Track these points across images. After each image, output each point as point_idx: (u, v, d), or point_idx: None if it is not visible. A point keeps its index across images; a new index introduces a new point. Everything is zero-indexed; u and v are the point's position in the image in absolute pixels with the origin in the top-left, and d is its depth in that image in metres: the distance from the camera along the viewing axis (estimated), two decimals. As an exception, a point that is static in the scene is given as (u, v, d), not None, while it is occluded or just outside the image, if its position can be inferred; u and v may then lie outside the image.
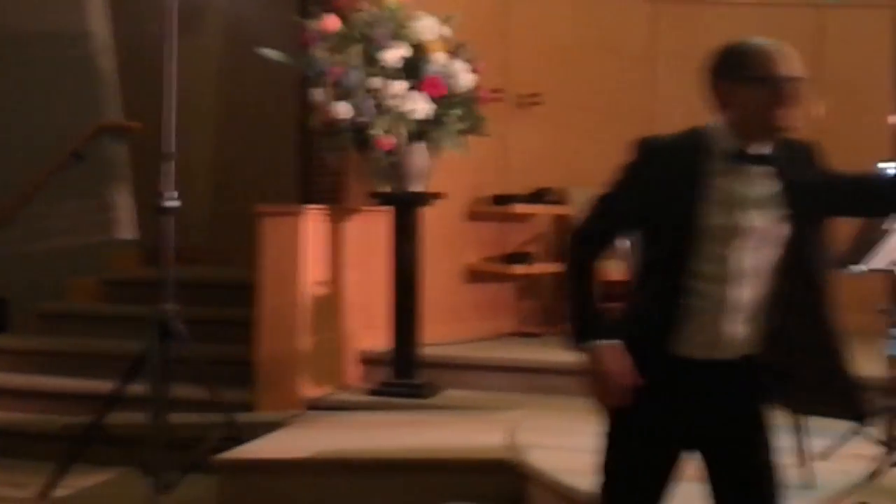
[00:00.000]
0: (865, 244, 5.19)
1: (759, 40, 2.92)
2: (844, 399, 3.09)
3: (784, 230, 2.88)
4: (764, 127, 2.85)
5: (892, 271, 5.22)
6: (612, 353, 2.83)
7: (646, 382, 2.85)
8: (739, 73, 2.84)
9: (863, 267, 5.14)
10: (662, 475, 2.94)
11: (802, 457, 4.94)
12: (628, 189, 2.91)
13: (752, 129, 2.86)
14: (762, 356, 2.94)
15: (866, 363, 5.12)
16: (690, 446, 2.96)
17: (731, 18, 8.28)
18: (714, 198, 2.83)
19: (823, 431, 5.29)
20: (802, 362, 3.01)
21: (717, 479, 2.96)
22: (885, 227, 5.09)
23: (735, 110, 2.86)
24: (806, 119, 2.92)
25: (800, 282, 2.92)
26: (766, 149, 2.90)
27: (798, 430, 4.94)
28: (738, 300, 2.87)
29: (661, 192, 2.85)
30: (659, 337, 2.88)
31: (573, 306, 2.91)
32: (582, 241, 2.95)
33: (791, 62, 2.86)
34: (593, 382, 2.84)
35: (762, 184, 2.88)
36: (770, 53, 2.85)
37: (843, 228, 5.23)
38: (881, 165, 6.18)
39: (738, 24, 8.61)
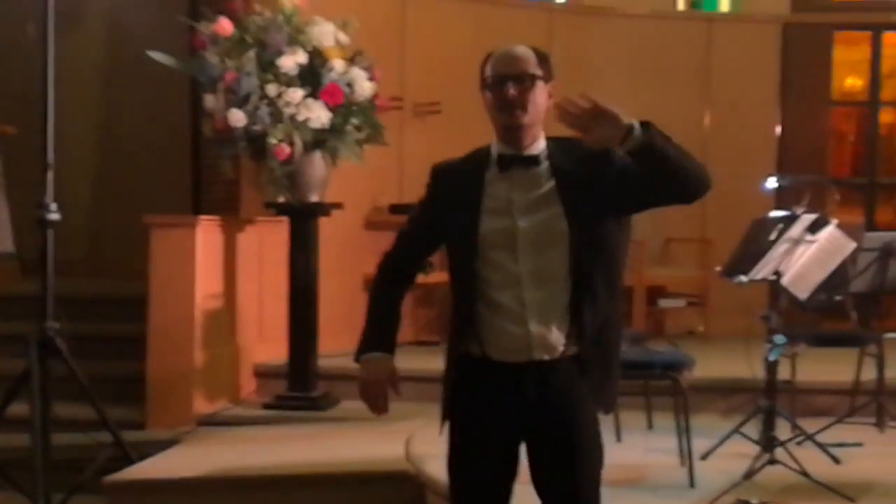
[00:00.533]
0: (750, 255, 5.29)
1: (498, 48, 2.99)
2: (608, 394, 3.03)
3: (561, 229, 2.89)
4: (499, 129, 2.96)
5: (773, 280, 5.32)
6: (374, 364, 3.07)
7: (468, 388, 2.97)
8: (482, 82, 2.99)
9: (743, 278, 5.25)
10: (494, 476, 3.00)
11: (684, 457, 5.10)
12: (422, 214, 3.10)
13: (499, 134, 2.97)
14: (575, 357, 2.94)
15: (746, 366, 5.38)
16: (517, 446, 3.00)
17: (623, 29, 8.41)
18: (489, 205, 2.93)
19: (704, 432, 5.46)
20: (596, 358, 2.96)
21: (535, 481, 3.00)
22: (770, 238, 5.18)
23: (490, 118, 2.99)
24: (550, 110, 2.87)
25: (592, 278, 2.90)
26: (536, 150, 2.95)
27: (680, 430, 5.09)
28: (526, 303, 2.89)
29: (447, 208, 2.98)
30: (466, 343, 2.97)
31: (363, 328, 3.16)
32: (382, 272, 3.18)
33: (505, 62, 2.93)
34: (359, 390, 3.08)
35: (534, 185, 2.94)
36: (493, 58, 2.97)
37: (731, 238, 5.29)
38: (769, 178, 6.21)
39: (630, 34, 8.67)
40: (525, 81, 2.91)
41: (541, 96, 2.94)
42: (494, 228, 2.91)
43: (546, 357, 2.92)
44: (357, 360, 3.12)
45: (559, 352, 2.93)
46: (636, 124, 2.75)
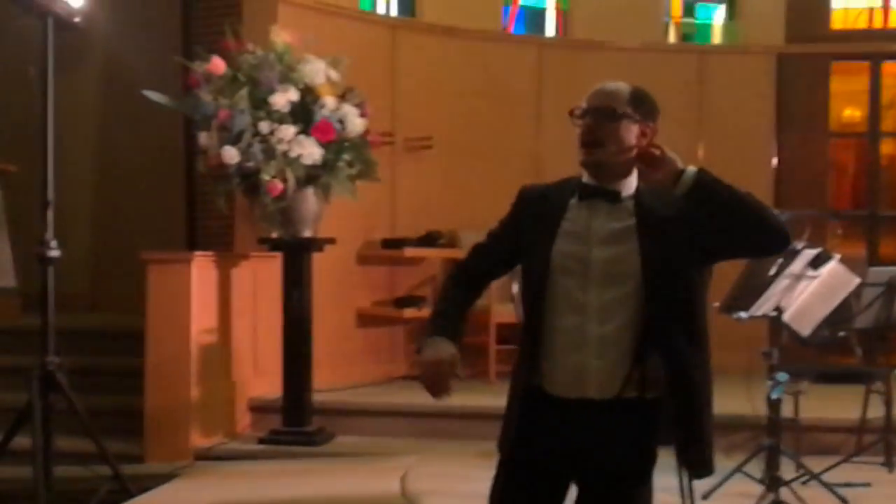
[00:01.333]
0: (750, 290, 5.35)
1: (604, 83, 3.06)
2: (690, 453, 3.03)
3: (634, 265, 2.91)
4: (580, 163, 3.00)
5: (774, 316, 5.38)
6: (438, 345, 2.99)
7: (528, 420, 2.99)
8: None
9: (743, 314, 5.32)
10: None
11: (685, 496, 5.00)
12: (500, 229, 3.14)
13: (581, 167, 3.02)
14: (644, 394, 2.94)
15: (748, 403, 5.46)
16: (568, 482, 3.04)
17: (614, 63, 8.50)
18: (567, 228, 2.97)
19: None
20: (675, 404, 2.95)
21: None
22: (770, 273, 5.25)
23: None
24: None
25: (666, 322, 2.91)
26: (621, 188, 2.97)
27: (681, 469, 5.09)
28: (588, 336, 2.92)
29: (527, 228, 3.03)
30: (528, 372, 3.00)
31: (428, 319, 3.14)
32: (452, 276, 3.19)
33: (593, 94, 2.97)
34: (420, 372, 3.01)
35: (614, 219, 2.96)
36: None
37: (729, 274, 5.51)
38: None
39: (622, 68, 8.90)
40: (607, 117, 2.93)
41: (627, 135, 2.93)
42: (568, 252, 2.94)
43: (601, 397, 2.92)
44: (421, 346, 3.05)
45: (615, 394, 2.92)
46: (690, 168, 2.85)
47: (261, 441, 6.60)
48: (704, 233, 2.90)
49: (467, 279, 3.18)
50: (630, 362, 2.91)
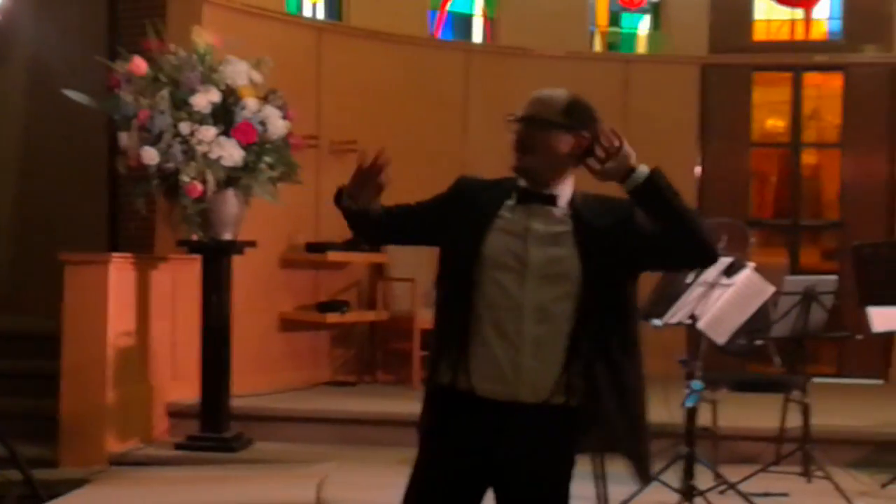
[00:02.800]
0: (666, 297, 5.33)
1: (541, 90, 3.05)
2: (633, 459, 3.04)
3: (572, 270, 2.89)
4: (513, 168, 3.01)
5: (689, 324, 5.36)
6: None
7: (446, 419, 2.95)
8: None
9: (658, 322, 5.29)
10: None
11: None
12: (432, 202, 3.12)
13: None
14: (570, 401, 2.90)
15: (664, 412, 5.29)
16: (484, 483, 2.98)
17: (541, 70, 8.54)
18: (502, 226, 2.95)
19: (622, 479, 5.50)
20: (606, 412, 2.93)
21: None
22: (686, 281, 5.24)
23: None
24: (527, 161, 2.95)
25: (598, 327, 2.90)
26: (557, 192, 2.97)
27: (598, 477, 4.96)
28: (525, 335, 2.88)
29: (456, 220, 2.99)
30: (450, 372, 2.94)
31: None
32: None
33: (527, 105, 2.98)
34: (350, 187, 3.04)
35: (552, 222, 2.95)
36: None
37: (647, 281, 5.55)
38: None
39: (548, 76, 8.90)
40: (536, 125, 2.93)
41: (558, 143, 2.92)
42: (504, 247, 2.91)
43: (532, 400, 2.88)
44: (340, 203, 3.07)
45: (545, 398, 2.88)
46: (643, 167, 2.83)
47: (177, 446, 6.46)
48: (637, 241, 2.91)
49: (388, 210, 3.13)
50: (561, 367, 2.89)
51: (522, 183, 2.99)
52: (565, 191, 2.99)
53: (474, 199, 3.01)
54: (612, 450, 3.04)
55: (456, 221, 3.00)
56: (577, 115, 2.96)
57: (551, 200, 2.97)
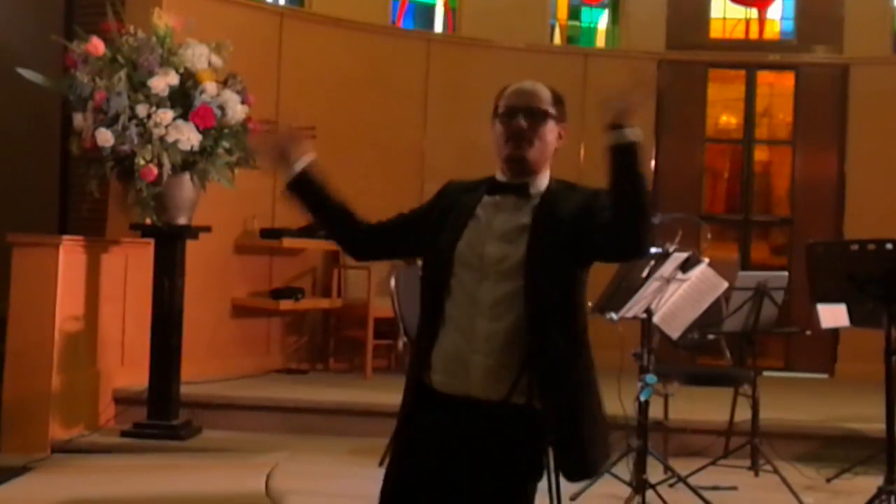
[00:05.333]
0: (621, 291, 5.20)
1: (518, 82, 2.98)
2: (569, 457, 2.89)
3: (520, 265, 2.82)
4: (502, 160, 2.95)
5: (644, 318, 5.25)
6: None
7: (413, 414, 2.91)
8: (494, 113, 2.97)
9: (614, 316, 5.17)
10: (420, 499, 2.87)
11: (553, 498, 4.92)
12: (416, 211, 3.09)
13: (501, 165, 2.96)
14: (532, 401, 2.80)
15: (617, 404, 5.16)
16: (448, 478, 2.85)
17: (501, 62, 8.42)
18: (472, 225, 2.91)
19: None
20: (557, 410, 2.82)
21: None
22: (642, 275, 5.11)
23: (496, 149, 2.98)
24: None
25: (545, 322, 2.80)
26: (533, 186, 2.91)
27: (549, 470, 4.87)
28: (478, 330, 2.82)
29: (437, 223, 2.96)
30: (422, 368, 2.90)
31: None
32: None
33: (519, 95, 2.94)
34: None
35: (515, 216, 2.89)
36: (508, 91, 2.97)
37: (603, 275, 5.39)
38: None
39: (508, 67, 8.74)
40: (536, 116, 2.90)
41: (550, 134, 2.92)
42: (469, 245, 2.87)
43: (485, 397, 2.80)
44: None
45: (501, 397, 2.79)
46: (636, 130, 2.75)
47: (123, 434, 6.16)
48: (589, 226, 2.83)
49: (368, 223, 3.10)
50: (519, 365, 2.79)
51: (499, 176, 2.96)
52: (542, 181, 2.94)
53: (455, 201, 2.99)
54: (566, 448, 2.87)
55: (436, 225, 2.97)
56: (562, 106, 2.99)
57: (520, 190, 2.92)
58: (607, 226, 2.78)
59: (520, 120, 2.89)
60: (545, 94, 2.94)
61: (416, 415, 2.90)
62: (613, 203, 2.75)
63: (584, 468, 2.91)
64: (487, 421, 2.81)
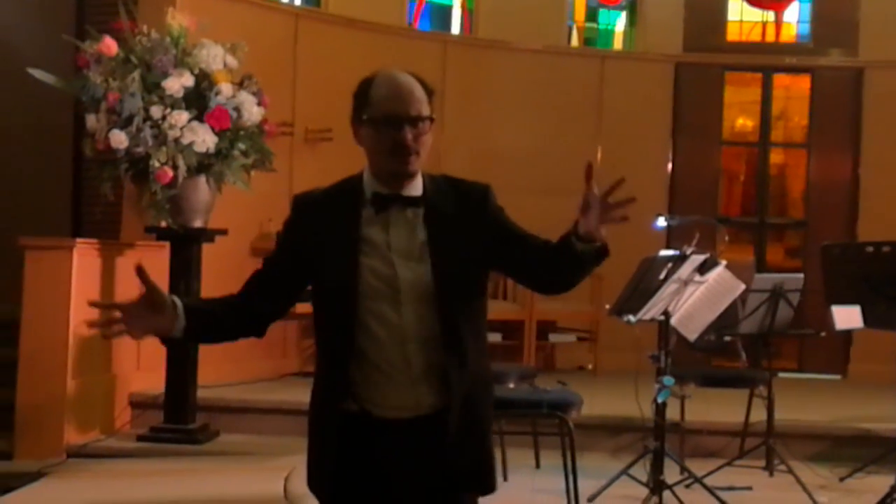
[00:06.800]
0: (639, 294, 5.13)
1: (383, 74, 2.62)
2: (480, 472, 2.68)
3: (429, 284, 2.54)
4: (383, 172, 2.58)
5: (662, 320, 5.19)
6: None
7: (350, 446, 2.60)
8: (362, 114, 2.60)
9: (632, 318, 5.11)
10: None
11: (571, 499, 4.88)
12: (282, 250, 2.67)
13: (380, 175, 2.59)
14: (442, 419, 2.58)
15: (635, 405, 5.25)
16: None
17: (517, 63, 8.35)
18: (367, 249, 2.56)
19: (592, 472, 5.33)
20: (466, 424, 2.61)
21: None
22: (659, 277, 5.05)
23: (365, 152, 2.62)
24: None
25: (448, 340, 2.55)
26: (415, 191, 2.59)
27: (567, 471, 4.86)
28: (412, 361, 2.54)
29: (316, 247, 2.57)
30: (339, 398, 2.58)
31: None
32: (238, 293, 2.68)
33: (400, 99, 2.56)
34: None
35: (410, 231, 2.58)
36: (381, 90, 2.58)
37: (618, 277, 5.23)
38: (658, 217, 6.15)
39: (524, 68, 8.64)
40: (421, 125, 2.55)
41: (430, 138, 2.60)
42: (376, 275, 2.54)
43: (422, 414, 2.58)
44: None
45: (430, 411, 2.58)
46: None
47: (140, 438, 6.04)
48: (495, 235, 2.60)
49: (242, 295, 2.67)
50: (439, 380, 2.57)
51: (373, 187, 2.59)
52: (419, 185, 2.61)
53: (325, 216, 2.60)
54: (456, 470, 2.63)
55: (317, 253, 2.57)
56: (433, 100, 2.62)
57: (413, 202, 2.58)
58: (534, 267, 2.60)
59: (406, 133, 2.52)
60: (422, 94, 2.58)
61: (350, 443, 2.59)
62: (557, 265, 2.55)
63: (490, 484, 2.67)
64: (412, 435, 2.59)
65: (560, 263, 2.55)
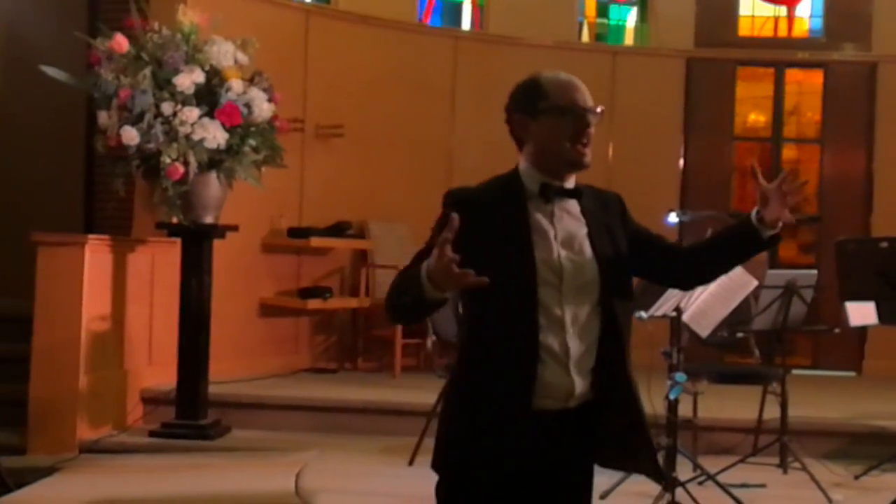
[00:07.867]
0: (651, 290, 5.05)
1: (548, 72, 2.68)
2: (645, 457, 2.86)
3: (593, 276, 2.60)
4: (557, 161, 2.63)
5: (674, 316, 5.15)
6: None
7: (515, 435, 2.58)
8: (536, 106, 2.63)
9: (643, 314, 5.04)
10: None
11: None
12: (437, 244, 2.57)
13: (550, 165, 2.63)
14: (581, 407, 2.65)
15: (647, 402, 5.18)
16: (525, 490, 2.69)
17: (529, 59, 8.27)
18: (536, 238, 2.58)
19: (604, 470, 5.23)
20: (610, 416, 2.72)
21: None
22: None
23: (532, 145, 2.65)
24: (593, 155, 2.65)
25: (608, 333, 2.62)
26: (571, 185, 2.66)
27: None
28: (571, 351, 2.58)
29: (487, 240, 2.55)
30: (514, 392, 2.57)
31: (406, 298, 2.54)
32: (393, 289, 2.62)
33: (585, 94, 2.66)
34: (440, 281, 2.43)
35: (571, 223, 2.64)
36: (563, 84, 2.66)
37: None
38: (670, 213, 6.12)
39: (536, 65, 8.52)
40: (595, 120, 2.65)
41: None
42: (544, 264, 2.56)
43: (572, 405, 2.63)
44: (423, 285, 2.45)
45: (582, 401, 2.64)
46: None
47: (151, 434, 6.03)
48: (640, 241, 2.74)
49: None
50: (593, 371, 2.64)
51: (537, 178, 2.63)
52: (573, 180, 2.69)
53: (490, 213, 2.59)
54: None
55: (489, 246, 2.55)
56: None
57: (577, 194, 2.65)
58: (677, 266, 2.79)
59: (591, 121, 2.61)
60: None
61: (516, 432, 2.58)
62: (710, 260, 2.77)
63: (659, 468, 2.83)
64: (579, 422, 2.68)
65: (721, 255, 2.76)
